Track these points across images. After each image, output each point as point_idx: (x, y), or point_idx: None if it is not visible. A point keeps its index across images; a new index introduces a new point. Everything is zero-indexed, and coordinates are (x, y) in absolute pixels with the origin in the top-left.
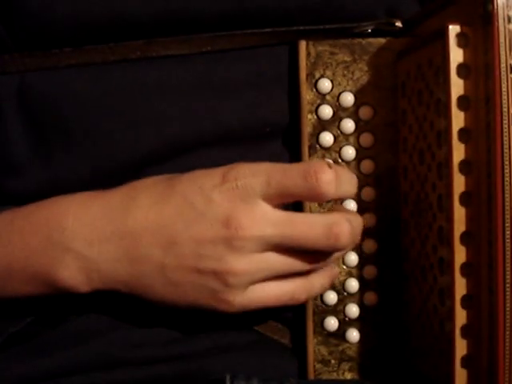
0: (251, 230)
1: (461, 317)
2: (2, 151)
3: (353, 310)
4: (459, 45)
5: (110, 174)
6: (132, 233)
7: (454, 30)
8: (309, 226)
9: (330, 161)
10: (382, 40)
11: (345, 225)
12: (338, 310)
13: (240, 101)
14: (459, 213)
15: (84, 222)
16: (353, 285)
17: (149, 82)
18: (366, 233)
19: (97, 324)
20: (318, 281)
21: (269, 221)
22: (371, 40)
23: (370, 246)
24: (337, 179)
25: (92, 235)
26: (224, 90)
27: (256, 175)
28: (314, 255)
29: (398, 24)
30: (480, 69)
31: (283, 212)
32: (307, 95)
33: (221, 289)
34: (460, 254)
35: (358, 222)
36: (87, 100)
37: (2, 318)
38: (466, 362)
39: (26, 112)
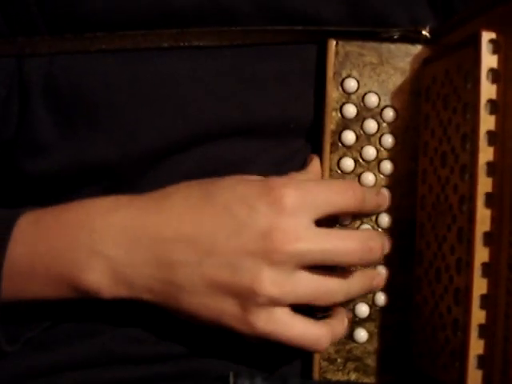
0: (295, 244)
1: (477, 316)
2: (27, 132)
3: (362, 309)
4: (491, 51)
5: (135, 159)
6: (165, 239)
7: (486, 35)
8: (347, 240)
9: (351, 160)
10: (410, 46)
11: (378, 239)
12: (347, 309)
13: (267, 96)
14: (482, 213)
15: (112, 224)
16: None
17: (178, 71)
18: None
19: (98, 321)
20: (340, 331)
21: (312, 235)
22: (399, 45)
23: None
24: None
25: (120, 238)
26: (252, 84)
27: (301, 189)
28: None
29: (425, 33)
30: (510, 75)
31: (322, 228)
32: (333, 93)
33: (248, 305)
34: (480, 254)
35: (385, 239)
36: (115, 85)
37: (18, 323)
38: (479, 363)
39: (53, 94)
